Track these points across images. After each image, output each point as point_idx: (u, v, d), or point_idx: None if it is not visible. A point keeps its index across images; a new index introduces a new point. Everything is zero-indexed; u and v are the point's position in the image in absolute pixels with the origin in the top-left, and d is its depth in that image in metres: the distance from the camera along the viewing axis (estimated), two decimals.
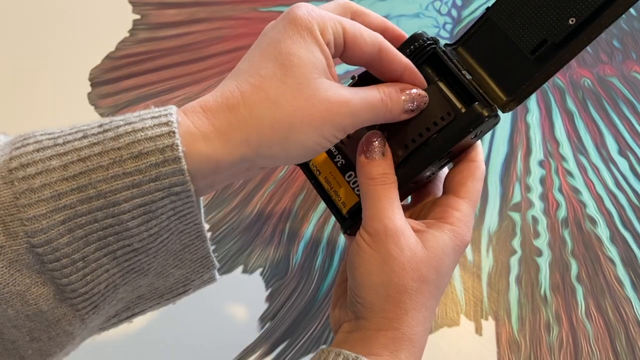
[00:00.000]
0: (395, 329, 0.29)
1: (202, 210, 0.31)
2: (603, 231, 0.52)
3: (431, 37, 0.32)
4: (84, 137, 0.24)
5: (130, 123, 0.24)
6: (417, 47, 0.32)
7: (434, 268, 0.29)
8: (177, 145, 0.24)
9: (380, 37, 0.29)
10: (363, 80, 0.33)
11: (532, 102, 0.63)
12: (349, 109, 0.27)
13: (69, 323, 0.26)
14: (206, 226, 0.49)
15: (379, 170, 0.30)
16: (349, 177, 0.34)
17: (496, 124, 0.31)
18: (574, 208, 0.54)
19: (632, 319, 0.46)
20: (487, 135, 0.59)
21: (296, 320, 0.45)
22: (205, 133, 0.25)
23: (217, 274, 0.33)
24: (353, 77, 0.34)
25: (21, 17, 0.67)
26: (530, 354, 0.44)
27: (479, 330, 0.45)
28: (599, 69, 0.68)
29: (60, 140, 0.24)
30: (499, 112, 0.31)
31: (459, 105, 0.31)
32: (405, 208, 0.35)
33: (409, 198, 0.37)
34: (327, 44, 0.27)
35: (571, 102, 0.64)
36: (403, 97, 0.30)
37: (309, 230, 0.50)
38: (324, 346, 0.39)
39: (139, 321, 0.43)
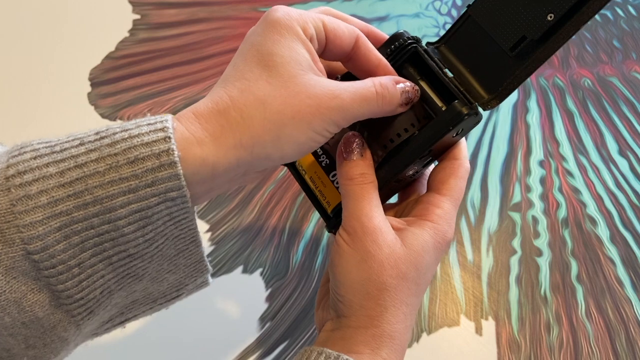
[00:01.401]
0: (376, 326, 0.29)
1: (196, 215, 0.31)
2: (603, 231, 0.52)
3: (412, 36, 0.32)
4: (81, 144, 0.24)
5: (127, 130, 0.25)
6: (398, 47, 0.32)
7: (413, 265, 0.29)
8: (172, 150, 0.24)
9: (357, 30, 0.30)
10: (345, 79, 0.33)
11: (532, 102, 0.63)
12: (338, 102, 0.27)
13: (64, 329, 0.26)
14: (206, 226, 0.49)
15: (357, 171, 0.30)
16: (333, 177, 0.34)
17: (478, 122, 0.31)
18: (574, 208, 0.53)
19: (632, 319, 0.46)
20: (487, 135, 0.59)
21: (296, 320, 0.45)
22: (199, 138, 0.25)
23: (210, 278, 0.33)
24: (336, 78, 0.34)
25: (21, 17, 0.67)
26: (530, 354, 0.44)
27: (479, 330, 0.45)
28: (599, 69, 0.68)
29: (57, 148, 0.24)
30: (480, 110, 0.31)
31: (439, 103, 0.31)
32: (391, 207, 0.35)
33: (395, 197, 0.37)
34: (310, 39, 0.28)
35: (571, 102, 0.63)
36: (400, 89, 0.30)
37: (309, 230, 0.50)
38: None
39: (139, 321, 0.43)
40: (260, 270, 0.47)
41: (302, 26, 0.28)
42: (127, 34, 0.65)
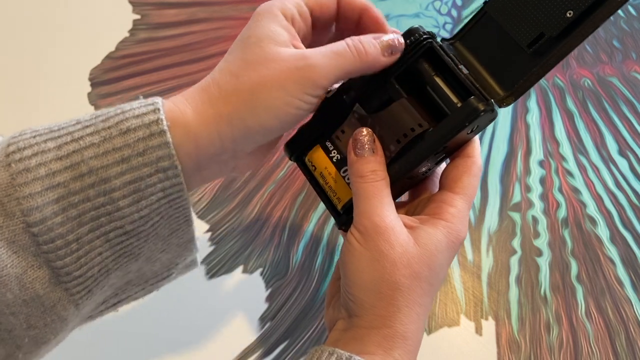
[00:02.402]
0: (388, 327, 0.29)
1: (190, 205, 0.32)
2: (603, 231, 0.52)
3: (428, 32, 0.32)
4: (78, 123, 0.26)
5: (120, 108, 0.27)
6: (413, 42, 0.31)
7: (426, 264, 0.29)
8: (161, 120, 0.26)
9: None
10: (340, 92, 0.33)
11: (532, 102, 0.63)
12: (309, 62, 0.28)
13: (63, 308, 0.26)
14: (206, 226, 0.49)
15: (368, 168, 0.30)
16: (344, 172, 0.33)
17: (493, 119, 0.31)
18: (574, 208, 0.54)
19: (632, 319, 0.46)
20: (487, 135, 0.59)
21: (296, 320, 0.45)
22: (183, 110, 0.27)
23: (198, 258, 0.34)
24: (328, 92, 0.34)
25: (21, 17, 0.67)
26: (530, 354, 0.44)
27: (479, 330, 0.45)
28: (599, 69, 0.68)
29: (55, 127, 0.26)
30: (496, 107, 0.30)
31: (455, 100, 0.31)
32: (402, 205, 0.35)
33: (405, 195, 0.37)
34: (292, 19, 0.30)
35: (571, 102, 0.64)
36: (379, 41, 0.30)
37: (309, 230, 0.50)
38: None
39: (139, 321, 0.44)
40: (260, 270, 0.47)
41: (281, 9, 0.29)
42: (127, 34, 0.65)
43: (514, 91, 0.30)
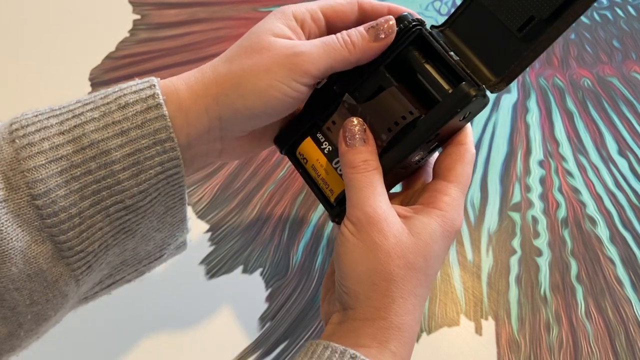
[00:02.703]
0: (383, 318, 0.28)
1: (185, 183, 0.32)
2: (603, 231, 0.52)
3: (417, 19, 0.31)
4: (78, 101, 0.27)
5: (119, 86, 0.28)
6: (402, 29, 0.31)
7: (421, 255, 0.29)
8: (157, 95, 0.27)
9: None
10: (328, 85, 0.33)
11: (532, 102, 0.63)
12: (298, 50, 0.29)
13: (65, 283, 0.27)
14: (206, 226, 0.49)
15: (360, 158, 0.30)
16: (336, 164, 0.33)
17: (485, 105, 0.30)
18: (573, 208, 0.54)
19: (632, 319, 0.46)
20: (487, 135, 0.59)
21: (296, 320, 0.45)
22: (177, 87, 0.29)
23: (188, 239, 0.35)
24: (318, 84, 0.33)
25: (21, 17, 0.67)
26: (530, 354, 0.44)
27: (479, 330, 0.45)
28: (599, 69, 0.68)
29: (56, 107, 0.27)
30: (488, 93, 0.30)
31: (446, 86, 0.30)
32: (396, 195, 0.35)
33: (399, 186, 0.36)
34: (302, 22, 0.31)
35: (571, 102, 0.64)
36: (368, 28, 0.30)
37: (309, 230, 0.50)
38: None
39: (139, 321, 0.44)
40: (260, 270, 0.47)
41: (293, 11, 0.31)
42: (127, 34, 0.65)
43: (506, 76, 0.30)
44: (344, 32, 0.30)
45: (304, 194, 0.52)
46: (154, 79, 0.28)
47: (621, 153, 0.59)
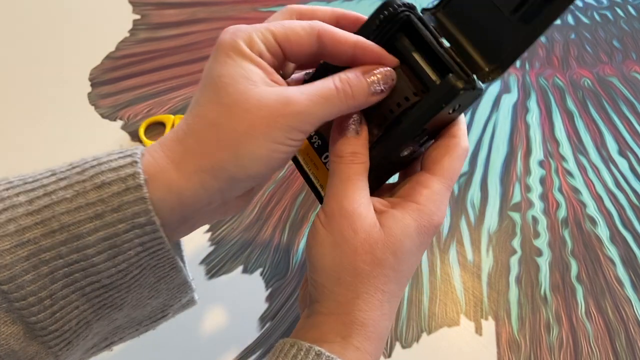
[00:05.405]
0: (346, 313, 0.28)
1: (182, 243, 0.30)
2: (603, 231, 0.52)
3: (405, 3, 0.29)
4: (53, 174, 0.25)
5: (97, 158, 0.25)
6: (388, 16, 0.29)
7: (390, 251, 0.28)
8: (138, 174, 0.24)
9: (317, 24, 0.28)
10: (321, 72, 0.30)
11: (532, 102, 0.63)
12: (294, 108, 0.26)
13: None
14: (206, 226, 0.49)
15: (348, 149, 0.29)
16: (325, 158, 0.32)
17: (477, 96, 0.28)
18: (574, 208, 0.54)
19: (632, 319, 0.46)
20: (487, 135, 0.59)
21: (296, 320, 0.45)
22: (162, 165, 0.25)
23: (196, 296, 0.33)
24: (307, 74, 0.32)
25: (21, 17, 0.67)
26: (530, 354, 0.44)
27: (479, 330, 0.45)
28: (599, 69, 0.68)
29: (29, 179, 0.24)
30: (479, 84, 0.28)
31: (434, 77, 0.28)
32: (389, 187, 0.33)
33: (396, 177, 0.35)
34: (260, 55, 0.27)
35: (571, 102, 0.64)
36: (369, 79, 0.28)
37: (309, 230, 0.50)
38: None
39: None
40: (260, 270, 0.47)
41: (247, 43, 0.27)
42: (127, 34, 0.65)
43: (500, 64, 0.28)
44: (344, 80, 0.27)
45: (304, 194, 0.52)
46: (137, 153, 0.25)
47: (621, 153, 0.59)
